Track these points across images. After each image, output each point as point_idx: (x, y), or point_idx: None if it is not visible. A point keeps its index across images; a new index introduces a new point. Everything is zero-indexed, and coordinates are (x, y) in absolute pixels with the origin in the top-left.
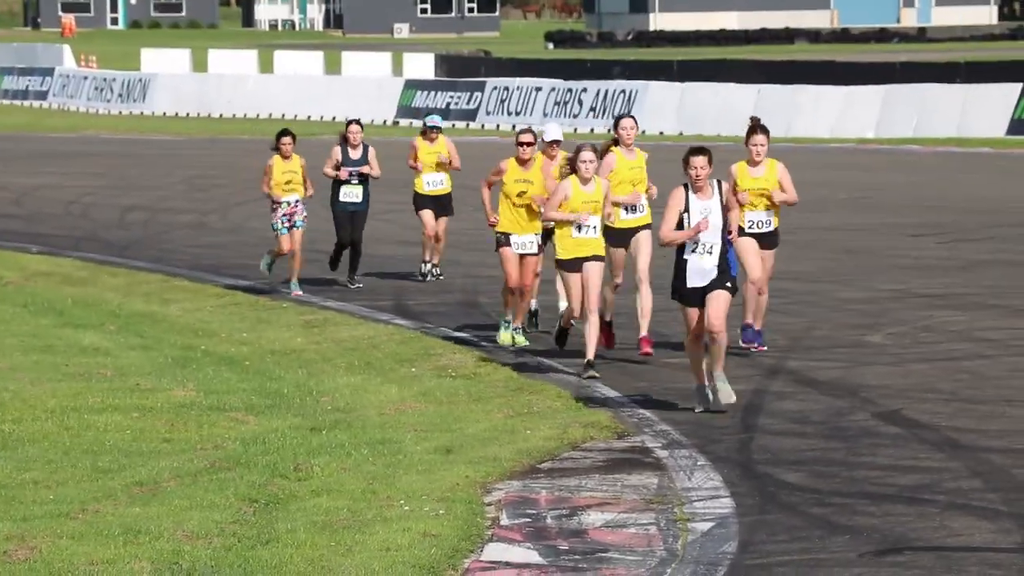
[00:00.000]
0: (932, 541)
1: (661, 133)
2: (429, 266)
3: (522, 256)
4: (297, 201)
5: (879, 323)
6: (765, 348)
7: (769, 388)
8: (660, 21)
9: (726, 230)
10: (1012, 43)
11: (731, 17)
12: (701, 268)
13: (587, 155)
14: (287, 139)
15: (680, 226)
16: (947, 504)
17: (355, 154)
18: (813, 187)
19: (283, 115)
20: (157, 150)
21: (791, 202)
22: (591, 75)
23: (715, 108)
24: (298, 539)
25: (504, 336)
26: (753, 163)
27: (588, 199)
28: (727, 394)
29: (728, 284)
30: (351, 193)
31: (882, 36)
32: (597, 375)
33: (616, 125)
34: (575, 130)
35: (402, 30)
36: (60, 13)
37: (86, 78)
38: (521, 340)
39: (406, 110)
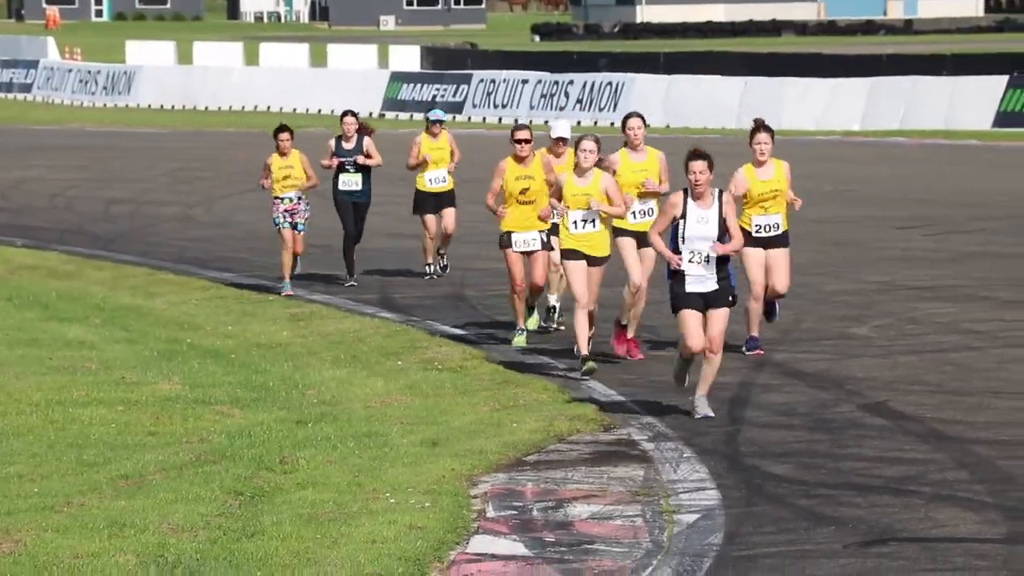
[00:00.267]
0: (917, 532)
1: (647, 125)
2: (435, 267)
3: (528, 253)
4: (299, 198)
5: (866, 315)
6: (762, 352)
7: (756, 380)
8: (646, 13)
9: (724, 240)
10: (998, 35)
11: (718, 9)
12: (699, 274)
13: (588, 144)
14: (285, 135)
15: (675, 232)
16: (932, 495)
17: (349, 145)
18: (799, 179)
19: (268, 108)
20: (142, 143)
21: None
22: (577, 67)
23: (701, 100)
24: (284, 532)
25: (518, 340)
26: (758, 163)
27: (579, 192)
28: (704, 409)
29: (731, 298)
30: (349, 182)
31: (869, 28)
32: (595, 368)
33: (624, 125)
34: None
35: (388, 22)
36: (44, 5)
37: (71, 71)
38: (520, 341)
39: (392, 102)
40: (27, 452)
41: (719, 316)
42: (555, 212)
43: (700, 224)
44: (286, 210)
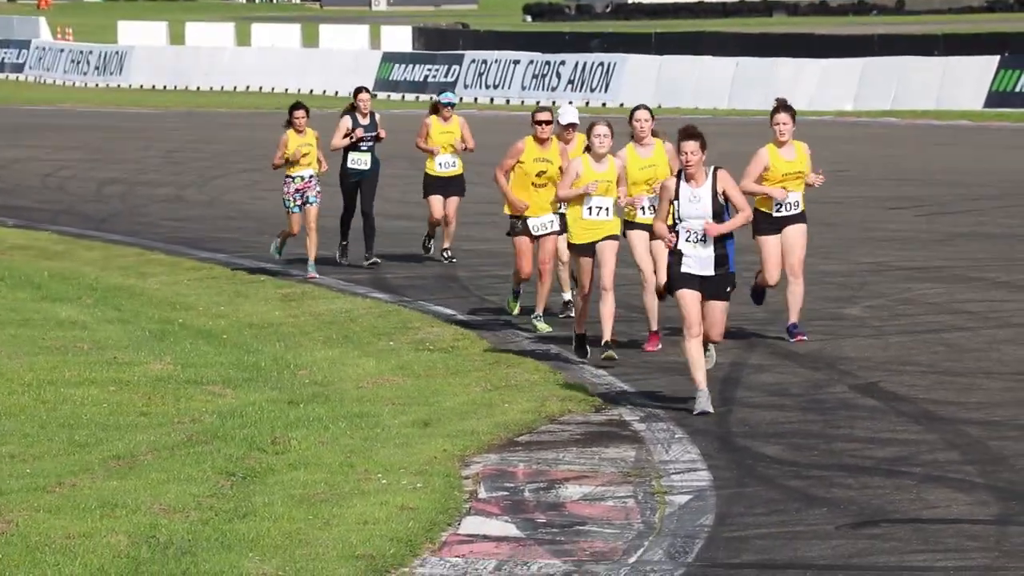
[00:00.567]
0: (909, 513)
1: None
2: (444, 253)
3: (539, 237)
4: (312, 176)
5: (857, 296)
6: (805, 338)
7: (747, 361)
8: None
9: (723, 218)
10: (990, 15)
11: None
12: (697, 255)
13: (601, 129)
14: (300, 112)
15: (672, 215)
16: (924, 476)
17: (365, 122)
18: None
19: (260, 88)
20: (134, 123)
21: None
22: (569, 48)
23: (693, 80)
24: (275, 512)
25: (541, 327)
26: (779, 143)
27: (599, 178)
28: (703, 404)
29: (729, 289)
30: (360, 160)
31: (860, 8)
32: (615, 356)
33: (631, 118)
34: (553, 103)
35: (380, 3)
36: None
37: (63, 51)
38: (544, 327)
39: (384, 83)
40: (19, 432)
41: (717, 307)
42: (590, 194)
43: (692, 203)
44: (297, 189)
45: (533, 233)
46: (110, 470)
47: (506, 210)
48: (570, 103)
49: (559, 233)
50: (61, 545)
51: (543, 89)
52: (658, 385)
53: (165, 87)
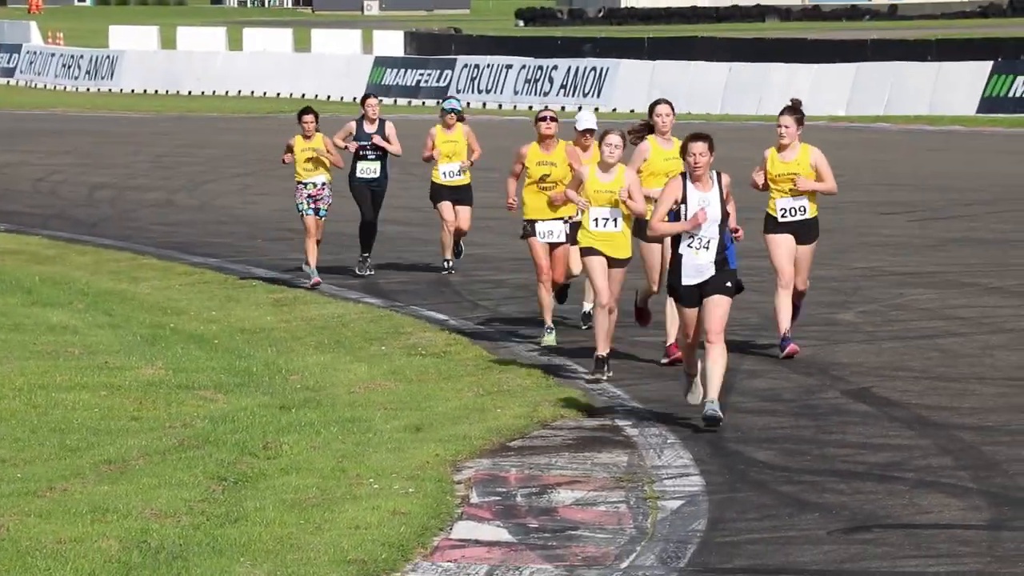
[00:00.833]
0: (901, 518)
1: (632, 111)
2: (452, 263)
3: (551, 246)
4: (324, 184)
5: (850, 301)
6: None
7: (740, 366)
8: None
9: (726, 224)
10: (983, 20)
11: None
12: (696, 264)
13: (614, 139)
14: (309, 117)
15: (675, 219)
16: (916, 482)
17: (371, 128)
18: None
19: (252, 92)
20: (125, 128)
21: (826, 191)
22: (562, 53)
23: (686, 85)
24: (267, 517)
25: (548, 340)
26: (780, 147)
27: (603, 188)
28: (713, 415)
29: (728, 284)
30: (368, 169)
31: (853, 14)
32: (603, 377)
33: (651, 111)
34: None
35: (372, 7)
36: None
37: (53, 55)
38: (550, 340)
39: (376, 87)
40: (10, 437)
41: (717, 304)
42: (578, 210)
43: (702, 207)
44: (310, 195)
45: (539, 239)
46: (101, 475)
47: (524, 213)
48: (580, 108)
49: (571, 243)
50: (52, 550)
51: (535, 94)
52: (650, 390)
53: (156, 91)
